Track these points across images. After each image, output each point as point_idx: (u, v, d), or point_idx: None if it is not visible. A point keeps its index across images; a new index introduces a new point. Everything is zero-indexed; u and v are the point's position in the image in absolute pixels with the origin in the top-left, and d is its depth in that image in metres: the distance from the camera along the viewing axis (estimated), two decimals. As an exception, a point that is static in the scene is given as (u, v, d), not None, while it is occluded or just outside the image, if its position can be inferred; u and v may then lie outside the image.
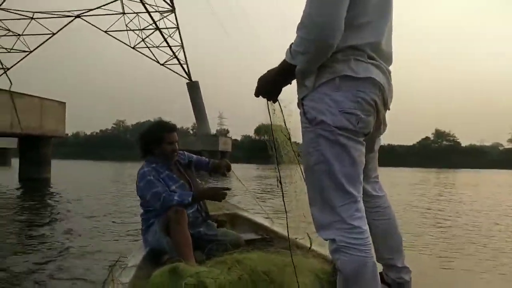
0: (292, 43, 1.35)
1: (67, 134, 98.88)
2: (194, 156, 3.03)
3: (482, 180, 25.34)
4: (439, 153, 78.23)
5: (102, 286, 1.73)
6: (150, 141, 2.67)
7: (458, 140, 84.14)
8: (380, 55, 1.44)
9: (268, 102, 1.57)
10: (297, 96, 1.49)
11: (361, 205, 1.42)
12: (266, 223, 3.17)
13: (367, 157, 1.52)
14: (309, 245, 2.31)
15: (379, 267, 1.63)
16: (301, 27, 1.30)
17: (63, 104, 17.69)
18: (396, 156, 76.18)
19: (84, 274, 3.61)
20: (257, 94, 1.51)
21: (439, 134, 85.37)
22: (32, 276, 3.58)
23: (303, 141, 1.46)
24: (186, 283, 1.65)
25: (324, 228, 1.41)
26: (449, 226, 6.83)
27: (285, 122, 1.67)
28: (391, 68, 1.51)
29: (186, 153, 2.96)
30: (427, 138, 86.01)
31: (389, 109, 1.53)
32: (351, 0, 1.30)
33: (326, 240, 1.42)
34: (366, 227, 1.40)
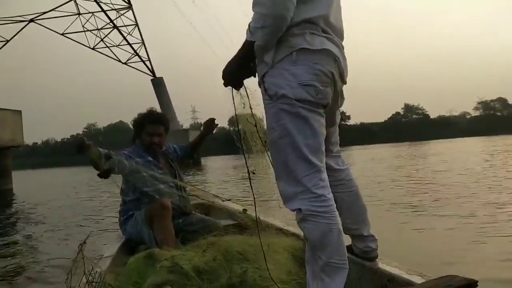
0: (250, 22, 1.39)
1: (36, 143, 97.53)
2: (177, 148, 3.01)
3: (449, 148, 26.09)
4: (410, 127, 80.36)
5: (72, 265, 1.70)
6: (134, 129, 2.71)
7: (427, 113, 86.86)
8: (332, 28, 1.48)
9: (234, 90, 1.58)
10: (257, 77, 1.52)
11: (325, 175, 1.46)
12: (241, 209, 3.17)
13: (328, 130, 1.57)
14: (282, 226, 2.36)
15: (347, 240, 1.65)
16: (257, 3, 1.35)
17: (18, 112, 17.14)
18: (369, 134, 77.95)
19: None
20: (225, 83, 1.54)
21: (408, 108, 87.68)
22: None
23: (266, 118, 1.50)
24: (162, 265, 1.69)
25: (290, 200, 1.44)
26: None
27: (251, 108, 1.66)
28: (343, 43, 1.56)
29: (173, 146, 2.95)
30: (397, 113, 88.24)
31: (345, 83, 1.57)
32: None
33: (293, 210, 1.44)
34: (331, 195, 1.44)
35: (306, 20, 1.41)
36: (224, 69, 1.52)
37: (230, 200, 3.50)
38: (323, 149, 1.48)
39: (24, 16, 28.15)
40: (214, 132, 3.05)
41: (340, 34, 1.54)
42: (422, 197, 6.52)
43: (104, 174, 2.25)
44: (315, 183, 1.41)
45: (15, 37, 28.67)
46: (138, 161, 2.54)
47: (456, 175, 9.41)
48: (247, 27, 1.43)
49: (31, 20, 28.19)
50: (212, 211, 3.45)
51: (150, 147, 2.65)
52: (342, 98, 1.61)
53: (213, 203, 3.49)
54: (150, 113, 2.72)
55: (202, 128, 3.06)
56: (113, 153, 2.32)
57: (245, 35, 1.44)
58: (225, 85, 1.54)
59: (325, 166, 1.48)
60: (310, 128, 1.42)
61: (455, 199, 6.03)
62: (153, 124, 2.64)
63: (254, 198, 1.68)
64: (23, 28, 28.43)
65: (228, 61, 1.51)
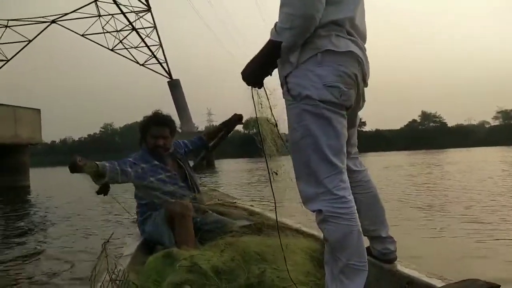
0: (276, 22, 1.39)
1: (55, 141, 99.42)
2: (188, 144, 2.95)
3: (467, 157, 25.64)
4: (427, 134, 79.22)
5: (96, 263, 1.71)
6: (140, 132, 2.68)
7: (444, 121, 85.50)
8: (357, 31, 1.49)
9: (253, 90, 1.58)
10: (279, 77, 1.52)
11: (345, 176, 1.46)
12: (258, 209, 3.15)
13: (349, 132, 1.57)
14: (299, 227, 2.34)
15: (366, 242, 1.64)
16: (285, 3, 1.35)
17: (37, 111, 17.54)
18: (385, 141, 77.10)
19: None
20: (247, 82, 1.53)
21: (425, 115, 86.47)
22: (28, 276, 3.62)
23: (288, 118, 1.49)
24: (181, 265, 1.70)
25: (311, 201, 1.44)
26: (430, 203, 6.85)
27: (271, 109, 1.66)
28: (366, 46, 1.57)
29: (183, 142, 2.89)
30: (414, 120, 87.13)
31: (367, 85, 1.58)
32: None
33: (313, 211, 1.44)
34: (351, 197, 1.44)
35: (333, 21, 1.41)
36: (245, 68, 1.51)
37: (239, 203, 3.46)
38: (345, 151, 1.48)
39: (46, 17, 28.77)
40: (235, 126, 3.00)
41: (363, 37, 1.55)
42: (439, 201, 6.44)
43: (102, 191, 2.20)
44: (336, 184, 1.41)
45: (37, 37, 29.31)
46: (144, 167, 2.50)
47: (474, 183, 9.24)
48: (273, 26, 1.42)
49: (53, 21, 28.77)
50: (228, 211, 3.45)
51: (155, 150, 2.60)
52: (364, 100, 1.62)
53: (229, 203, 3.46)
54: (155, 115, 2.68)
55: (224, 124, 2.99)
56: (109, 166, 2.28)
57: (270, 35, 1.43)
58: (247, 83, 1.54)
59: (345, 167, 1.48)
60: (333, 129, 1.42)
61: (472, 205, 5.95)
62: (158, 126, 2.60)
63: (274, 199, 1.67)
64: (45, 29, 29.07)
65: (247, 62, 1.50)
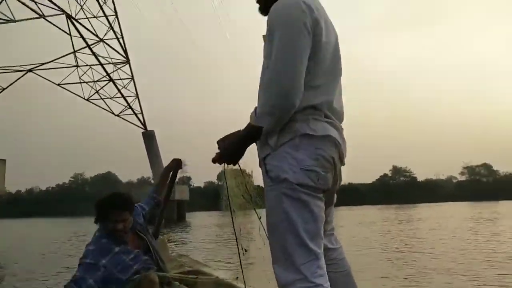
0: (256, 106, 1.46)
1: (20, 191, 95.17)
2: (145, 206, 2.89)
3: (436, 214, 26.12)
4: (398, 189, 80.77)
5: None
6: (97, 214, 2.53)
7: (414, 175, 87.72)
8: (334, 113, 1.53)
9: (226, 166, 1.61)
10: (258, 157, 1.55)
11: (323, 261, 1.46)
12: (229, 278, 3.05)
13: (326, 211, 1.56)
14: None
15: None
16: (266, 89, 1.42)
17: (2, 161, 17.08)
18: (358, 194, 77.88)
19: None
20: (220, 160, 1.56)
21: (396, 170, 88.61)
22: None
23: (266, 200, 1.50)
24: None
25: (287, 286, 1.42)
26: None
27: (246, 185, 1.73)
28: (342, 124, 1.62)
29: (140, 207, 2.82)
30: (385, 175, 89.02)
31: (344, 164, 1.60)
32: (307, 65, 1.43)
33: None
34: (328, 284, 1.43)
35: (311, 106, 1.46)
36: (223, 149, 1.55)
37: (207, 271, 3.32)
38: (322, 234, 1.48)
39: (23, 66, 28.70)
40: (178, 171, 2.98)
41: (340, 117, 1.60)
42: (411, 269, 6.46)
43: None
44: (314, 271, 1.40)
45: (12, 85, 29.03)
46: (105, 264, 2.38)
47: (443, 244, 9.39)
48: (252, 110, 1.48)
49: (30, 70, 28.69)
50: (197, 280, 3.33)
51: (115, 234, 2.50)
52: (340, 179, 1.62)
53: (198, 271, 3.29)
54: (113, 199, 2.55)
55: (165, 172, 2.99)
56: None
57: (249, 118, 1.48)
58: (220, 161, 1.56)
59: (323, 251, 1.48)
60: (310, 213, 1.43)
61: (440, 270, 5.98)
62: (117, 210, 2.48)
63: (243, 275, 1.69)
64: (20, 77, 28.88)
65: (225, 135, 1.56)
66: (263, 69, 1.52)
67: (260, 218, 1.74)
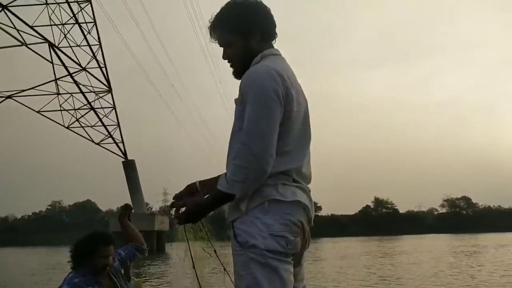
0: (226, 173, 1.48)
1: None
2: (121, 251, 2.85)
3: (417, 246, 26.20)
4: (380, 220, 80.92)
5: None
6: (83, 253, 2.48)
7: (396, 207, 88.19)
8: (303, 177, 1.57)
9: (186, 225, 1.66)
10: (226, 220, 1.57)
11: None
12: None
13: (295, 271, 1.57)
14: None
15: None
16: (239, 156, 1.43)
17: None
18: (340, 226, 77.74)
19: None
20: (183, 222, 1.59)
21: (378, 202, 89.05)
22: None
23: (234, 264, 1.51)
24: None
25: None
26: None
27: (209, 239, 1.80)
28: (310, 186, 1.66)
29: (117, 252, 2.76)
30: (368, 206, 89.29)
31: (312, 225, 1.62)
32: (278, 132, 1.46)
33: None
34: None
35: (280, 172, 1.48)
36: (190, 211, 1.56)
37: None
38: None
39: (2, 92, 28.32)
40: (126, 217, 3.00)
41: (308, 180, 1.63)
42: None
43: None
44: None
45: (-11, 111, 28.53)
46: None
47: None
48: (222, 176, 1.49)
49: (9, 97, 28.32)
50: None
51: (102, 270, 2.49)
52: (309, 241, 1.64)
53: None
54: (102, 234, 2.60)
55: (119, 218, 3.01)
56: None
57: (218, 184, 1.49)
58: (182, 223, 1.59)
59: None
60: (279, 278, 1.43)
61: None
62: (106, 246, 2.51)
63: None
64: (-1, 103, 28.42)
65: (195, 202, 1.57)
66: (233, 132, 1.55)
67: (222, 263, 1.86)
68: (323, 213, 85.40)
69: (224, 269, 1.93)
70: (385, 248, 25.57)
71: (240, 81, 1.55)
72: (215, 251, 1.91)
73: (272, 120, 1.43)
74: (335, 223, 79.58)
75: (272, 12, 1.65)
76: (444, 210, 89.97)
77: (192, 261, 1.81)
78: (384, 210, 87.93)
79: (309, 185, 1.63)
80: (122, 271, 2.80)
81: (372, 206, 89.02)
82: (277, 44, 1.68)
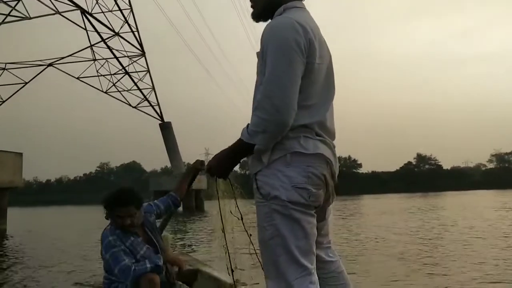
0: (249, 123, 1.47)
1: (50, 180, 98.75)
2: (160, 205, 2.93)
3: (463, 201, 25.48)
4: (422, 177, 79.11)
5: None
6: (104, 208, 2.62)
7: (439, 163, 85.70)
8: (326, 131, 1.55)
9: (218, 180, 1.67)
10: (249, 172, 1.57)
11: (315, 277, 1.48)
12: (228, 280, 3.00)
13: (319, 225, 1.57)
14: None
15: None
16: (259, 107, 1.42)
17: (19, 154, 17.69)
18: (381, 183, 76.83)
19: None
20: (211, 174, 1.61)
21: (420, 158, 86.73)
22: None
23: (258, 215, 1.52)
24: None
25: None
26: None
27: (235, 198, 1.83)
28: (335, 142, 1.63)
29: (155, 205, 2.87)
30: (409, 162, 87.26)
31: (336, 182, 1.60)
32: (300, 85, 1.44)
33: None
34: None
35: (303, 125, 1.47)
36: (213, 163, 1.58)
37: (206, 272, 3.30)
38: (314, 250, 1.50)
39: (43, 61, 29.31)
40: (199, 174, 2.99)
41: (332, 135, 1.60)
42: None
43: None
44: (306, 286, 1.42)
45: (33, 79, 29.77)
46: (128, 246, 2.52)
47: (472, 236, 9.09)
48: (244, 127, 1.49)
49: (50, 64, 29.28)
50: (199, 279, 3.27)
51: (124, 229, 2.58)
52: (333, 196, 1.62)
53: (198, 271, 3.33)
54: (118, 195, 2.63)
55: (188, 169, 3.01)
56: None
57: (241, 134, 1.49)
58: (212, 175, 1.61)
59: (315, 267, 1.50)
60: (302, 230, 1.44)
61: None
62: (122, 207, 2.56)
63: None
64: (41, 71, 29.53)
65: (220, 151, 1.58)
66: (256, 86, 1.54)
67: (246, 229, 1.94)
68: (363, 170, 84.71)
69: (249, 235, 1.94)
70: (427, 205, 25.00)
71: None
72: (241, 217, 1.94)
73: (293, 71, 1.41)
74: (376, 180, 78.75)
75: None
76: (492, 166, 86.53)
77: (222, 220, 1.88)
78: (426, 166, 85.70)
79: (334, 141, 1.61)
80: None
81: (414, 163, 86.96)
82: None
